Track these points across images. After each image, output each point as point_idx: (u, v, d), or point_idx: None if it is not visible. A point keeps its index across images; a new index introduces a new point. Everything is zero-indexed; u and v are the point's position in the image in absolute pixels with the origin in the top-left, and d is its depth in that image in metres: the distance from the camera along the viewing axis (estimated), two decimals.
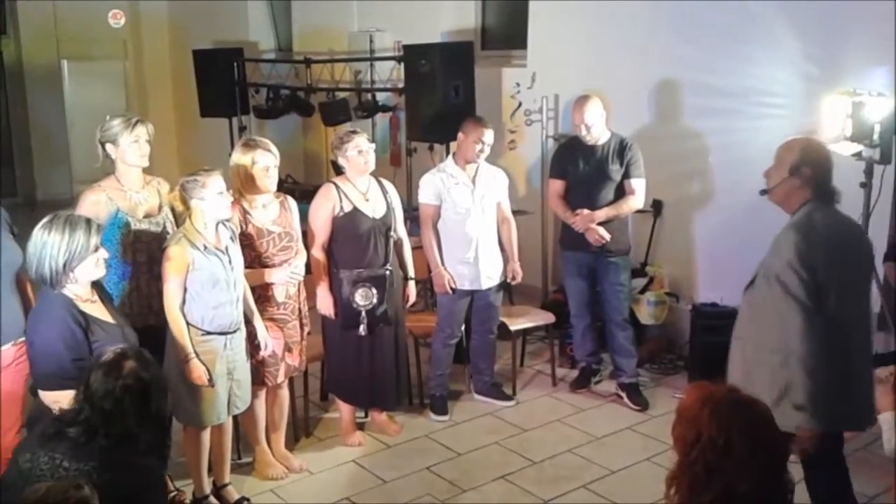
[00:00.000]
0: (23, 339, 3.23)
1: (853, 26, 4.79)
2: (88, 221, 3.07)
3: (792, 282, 2.93)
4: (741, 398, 2.05)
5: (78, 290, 3.04)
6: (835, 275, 2.97)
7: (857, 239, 3.16)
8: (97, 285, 3.18)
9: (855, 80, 4.58)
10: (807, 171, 3.04)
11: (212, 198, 3.54)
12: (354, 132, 4.35)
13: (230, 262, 3.64)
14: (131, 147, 3.68)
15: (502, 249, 4.93)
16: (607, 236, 4.85)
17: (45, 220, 3.01)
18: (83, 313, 3.02)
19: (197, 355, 3.55)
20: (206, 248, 3.55)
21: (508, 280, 4.94)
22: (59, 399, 2.75)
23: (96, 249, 3.03)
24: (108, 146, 3.69)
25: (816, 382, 2.91)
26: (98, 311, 3.10)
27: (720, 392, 2.07)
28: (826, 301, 2.96)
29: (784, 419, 2.52)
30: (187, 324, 3.56)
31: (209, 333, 3.60)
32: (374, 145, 4.37)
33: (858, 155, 4.45)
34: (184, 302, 3.56)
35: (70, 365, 2.91)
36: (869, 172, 4.45)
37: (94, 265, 3.05)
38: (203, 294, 3.56)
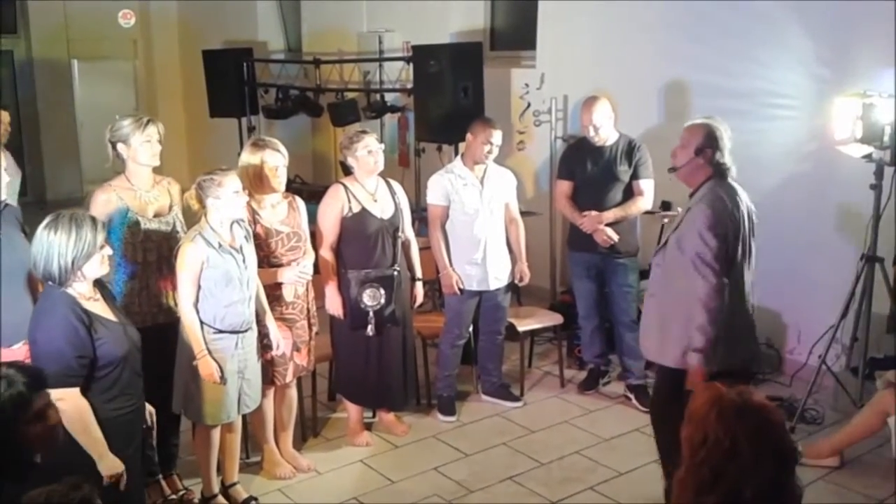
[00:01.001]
0: None
1: (864, 28, 4.77)
2: (93, 219, 3.07)
3: (704, 252, 3.34)
4: (750, 402, 2.04)
5: (81, 288, 3.04)
6: (736, 241, 3.41)
7: (746, 207, 3.51)
8: (99, 283, 3.18)
9: (865, 82, 4.57)
10: (709, 152, 3.46)
11: (227, 197, 3.55)
12: (364, 132, 4.36)
13: (244, 260, 3.65)
14: (143, 147, 3.69)
15: (510, 250, 4.93)
16: (615, 237, 4.85)
17: (48, 219, 2.99)
18: (86, 311, 3.02)
19: (210, 353, 3.57)
20: (220, 246, 3.57)
21: (516, 281, 4.94)
22: (63, 397, 2.74)
23: (102, 247, 3.04)
24: (120, 146, 3.70)
25: (716, 335, 3.36)
26: (100, 308, 3.10)
27: (729, 395, 2.05)
28: (730, 265, 3.39)
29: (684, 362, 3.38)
30: (200, 322, 3.58)
31: (221, 332, 3.61)
32: (383, 146, 4.38)
33: (868, 157, 4.44)
34: (197, 300, 3.57)
35: (74, 363, 2.91)
36: (879, 174, 4.45)
37: (100, 263, 3.05)
38: (216, 292, 3.57)
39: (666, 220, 5.12)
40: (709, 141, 3.47)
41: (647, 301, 3.72)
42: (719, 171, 3.47)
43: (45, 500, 2.01)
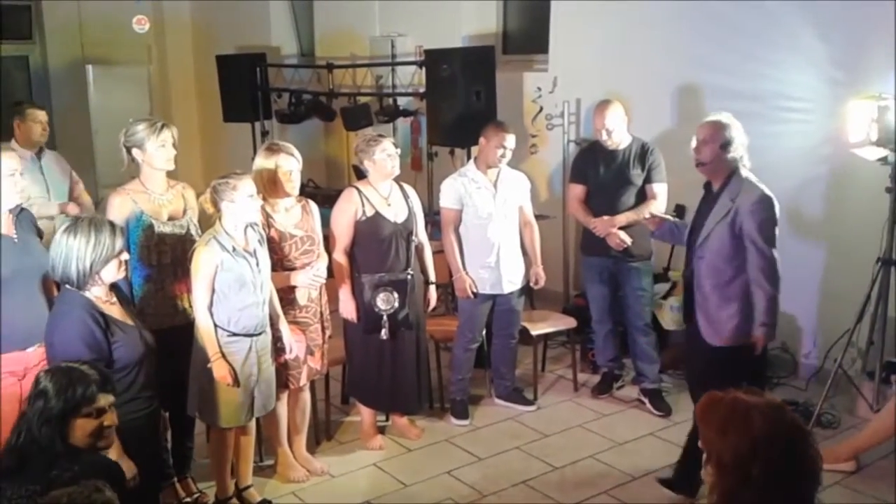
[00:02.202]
0: None
1: (878, 30, 4.74)
2: (112, 224, 3.11)
3: (769, 235, 3.63)
4: (771, 400, 2.04)
5: (98, 291, 3.08)
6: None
7: None
8: (114, 287, 3.21)
9: (880, 84, 4.55)
10: (733, 146, 3.70)
11: (242, 200, 3.57)
12: (381, 136, 4.37)
13: (258, 264, 3.66)
14: (158, 151, 3.71)
15: (525, 254, 4.92)
16: (628, 240, 4.84)
17: (67, 223, 3.05)
18: (103, 314, 3.04)
19: (224, 356, 3.58)
20: (234, 249, 3.59)
21: (531, 284, 4.94)
22: None
23: (120, 252, 3.07)
24: (135, 151, 3.72)
25: (776, 309, 3.72)
26: (116, 312, 3.13)
27: (750, 398, 2.02)
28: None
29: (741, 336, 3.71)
30: (214, 325, 3.59)
31: (235, 335, 3.62)
32: (399, 150, 4.38)
33: (884, 160, 4.41)
34: (211, 303, 3.59)
35: None
36: (895, 178, 4.42)
37: (118, 268, 3.08)
38: (230, 296, 3.59)
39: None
40: (732, 137, 3.71)
41: (696, 293, 3.83)
42: (738, 164, 3.73)
43: (68, 502, 2.02)
